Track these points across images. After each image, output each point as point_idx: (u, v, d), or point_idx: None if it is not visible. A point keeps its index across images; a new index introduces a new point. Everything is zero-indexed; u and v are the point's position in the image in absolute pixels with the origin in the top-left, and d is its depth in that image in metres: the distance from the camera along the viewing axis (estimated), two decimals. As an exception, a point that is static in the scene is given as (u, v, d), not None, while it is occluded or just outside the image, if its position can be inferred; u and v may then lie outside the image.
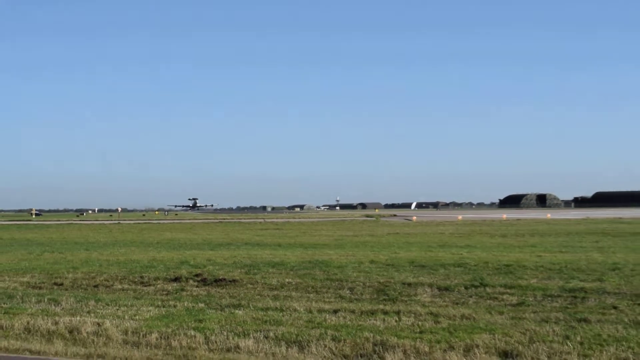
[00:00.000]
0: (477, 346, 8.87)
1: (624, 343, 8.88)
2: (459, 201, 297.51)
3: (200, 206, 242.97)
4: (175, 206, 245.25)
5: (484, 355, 8.56)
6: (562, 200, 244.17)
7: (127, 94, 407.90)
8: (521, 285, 14.55)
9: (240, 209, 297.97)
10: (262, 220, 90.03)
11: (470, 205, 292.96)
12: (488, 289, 14.25)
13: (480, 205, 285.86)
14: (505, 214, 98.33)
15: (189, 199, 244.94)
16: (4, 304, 13.89)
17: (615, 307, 11.51)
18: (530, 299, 12.91)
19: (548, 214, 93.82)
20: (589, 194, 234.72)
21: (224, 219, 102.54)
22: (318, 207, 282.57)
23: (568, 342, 8.99)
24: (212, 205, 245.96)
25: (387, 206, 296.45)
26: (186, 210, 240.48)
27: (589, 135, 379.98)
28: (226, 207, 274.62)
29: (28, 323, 11.15)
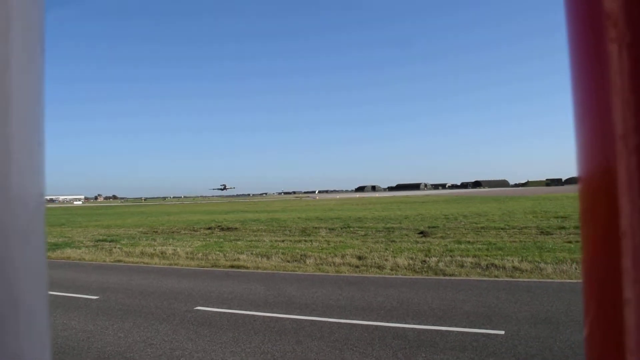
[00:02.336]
0: (347, 255, 18.99)
1: (411, 251, 18.83)
2: (337, 189, 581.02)
3: (228, 188, 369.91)
4: (214, 189, 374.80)
5: (350, 258, 18.66)
6: (385, 188, 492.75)
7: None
8: (365, 226, 26.96)
9: (235, 196, 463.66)
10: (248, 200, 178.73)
11: (344, 191, 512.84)
12: (351, 228, 26.48)
13: (347, 192, 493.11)
14: (358, 195, 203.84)
15: (221, 184, 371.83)
16: (130, 241, 26.08)
17: (407, 235, 21.70)
18: (370, 232, 23.66)
19: (376, 194, 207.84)
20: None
21: (230, 200, 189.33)
22: (277, 194, 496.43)
23: (387, 251, 19.06)
24: (234, 188, 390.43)
25: (306, 192, 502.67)
26: (220, 190, 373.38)
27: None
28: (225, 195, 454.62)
29: (142, 250, 22.43)
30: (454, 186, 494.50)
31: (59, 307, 11.83)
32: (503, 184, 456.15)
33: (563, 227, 24.87)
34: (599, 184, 0.47)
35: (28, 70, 0.64)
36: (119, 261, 19.88)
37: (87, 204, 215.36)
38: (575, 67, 0.49)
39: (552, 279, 13.08)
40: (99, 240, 27.76)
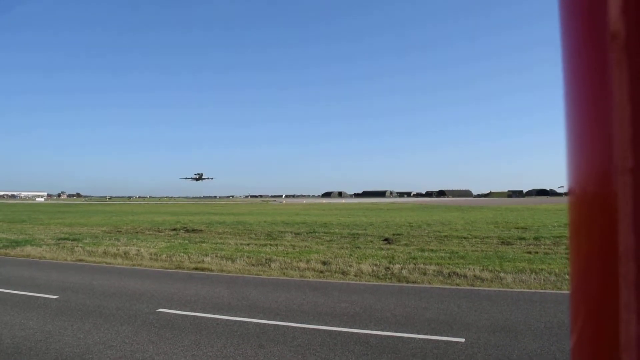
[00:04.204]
0: (312, 260, 19.05)
1: (376, 257, 19.02)
2: (304, 194, 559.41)
3: (205, 178, 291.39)
4: (187, 178, 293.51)
5: (314, 263, 18.71)
6: (351, 194, 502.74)
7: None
8: (331, 232, 27.26)
9: (202, 197, 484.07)
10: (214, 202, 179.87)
11: (310, 196, 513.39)
12: (316, 233, 26.59)
13: (313, 197, 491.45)
14: (325, 201, 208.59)
15: (195, 173, 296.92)
16: (93, 240, 25.60)
17: (371, 242, 21.98)
18: (335, 238, 23.86)
19: (343, 200, 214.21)
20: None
21: (197, 201, 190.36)
22: (244, 197, 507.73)
23: (351, 257, 19.21)
24: (212, 179, 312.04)
25: (272, 196, 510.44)
26: (194, 181, 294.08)
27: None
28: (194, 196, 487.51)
29: (105, 249, 22.03)
30: (419, 194, 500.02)
31: (17, 306, 11.55)
32: (466, 194, 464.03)
33: (523, 238, 25.48)
34: (592, 198, 0.47)
35: None
36: (81, 260, 19.50)
37: (49, 201, 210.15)
38: (572, 79, 0.50)
39: (512, 288, 13.40)
40: (61, 238, 27.16)
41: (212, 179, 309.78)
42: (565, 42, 0.51)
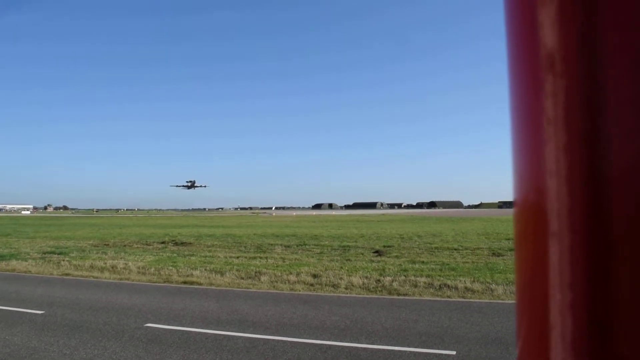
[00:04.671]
0: (302, 273, 18.92)
1: (366, 270, 18.93)
2: (295, 206, 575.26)
3: (197, 186, 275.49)
4: (178, 186, 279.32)
5: (304, 276, 18.58)
6: (342, 206, 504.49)
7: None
8: (321, 244, 27.10)
9: (191, 210, 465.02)
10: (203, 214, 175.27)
11: (301, 208, 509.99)
12: (307, 246, 26.57)
13: (304, 209, 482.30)
14: (315, 213, 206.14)
15: (187, 181, 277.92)
16: (80, 253, 25.22)
17: (362, 254, 21.93)
18: (325, 250, 23.70)
19: (333, 212, 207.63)
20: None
21: (186, 214, 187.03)
22: (233, 209, 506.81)
23: (342, 269, 19.11)
24: (205, 186, 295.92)
25: (262, 208, 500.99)
26: (185, 189, 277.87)
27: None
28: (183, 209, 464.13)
29: (91, 263, 21.77)
30: (409, 206, 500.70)
31: (1, 321, 11.33)
32: (457, 205, 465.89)
33: (514, 249, 25.57)
34: (531, 209, 0.50)
35: None
36: (67, 274, 19.22)
37: (35, 214, 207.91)
38: (513, 97, 0.53)
39: (503, 300, 13.36)
40: (47, 252, 26.80)
41: (205, 186, 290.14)
42: (509, 62, 0.54)
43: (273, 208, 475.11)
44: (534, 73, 0.48)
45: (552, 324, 0.48)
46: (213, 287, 16.14)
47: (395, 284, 15.74)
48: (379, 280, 16.47)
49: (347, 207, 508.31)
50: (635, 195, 0.42)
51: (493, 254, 23.91)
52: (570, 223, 0.45)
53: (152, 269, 20.06)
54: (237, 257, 23.40)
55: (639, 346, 0.43)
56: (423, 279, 16.40)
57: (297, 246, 28.27)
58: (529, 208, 0.51)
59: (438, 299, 13.76)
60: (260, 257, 23.27)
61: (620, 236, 0.43)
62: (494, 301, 13.23)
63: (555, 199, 0.46)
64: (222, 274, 18.74)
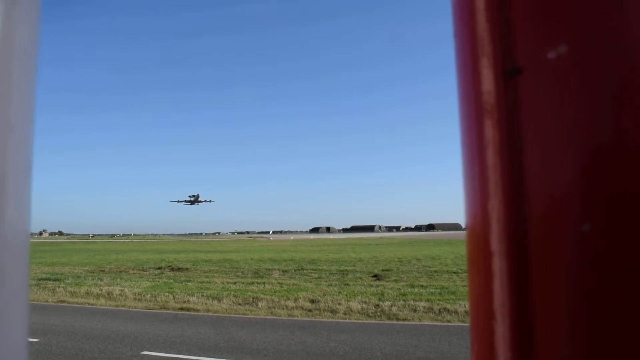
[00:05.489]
0: (300, 298, 18.74)
1: (365, 294, 18.76)
2: (292, 229, 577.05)
3: (201, 201, 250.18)
4: (179, 201, 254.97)
5: (302, 301, 18.40)
6: (340, 229, 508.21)
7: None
8: (319, 268, 26.84)
9: (187, 235, 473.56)
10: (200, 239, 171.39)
11: (298, 232, 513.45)
12: (304, 270, 26.30)
13: (301, 232, 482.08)
14: (313, 236, 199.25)
15: (190, 195, 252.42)
16: (75, 280, 24.93)
17: (360, 278, 21.75)
18: (323, 275, 23.45)
19: (331, 236, 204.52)
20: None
21: (183, 239, 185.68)
22: (230, 233, 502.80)
23: (340, 294, 18.94)
24: (211, 201, 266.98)
25: (260, 232, 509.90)
26: (188, 205, 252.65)
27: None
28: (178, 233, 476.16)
29: (87, 290, 21.55)
30: (408, 228, 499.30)
31: (-6, 351, 11.14)
32: (456, 227, 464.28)
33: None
34: (479, 232, 0.55)
35: (20, 105, 0.65)
36: (63, 301, 18.99)
37: (30, 240, 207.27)
38: (461, 140, 0.59)
39: (503, 324, 13.21)
40: (42, 278, 26.49)
41: (211, 201, 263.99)
42: (458, 102, 0.60)
43: (270, 232, 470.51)
44: (472, 115, 0.56)
45: (496, 341, 0.52)
46: (210, 314, 15.96)
47: (394, 309, 15.59)
48: (377, 305, 16.31)
49: (345, 230, 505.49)
50: (548, 221, 0.49)
51: (492, 277, 23.79)
52: (498, 245, 0.52)
53: (149, 295, 19.85)
54: (235, 283, 23.16)
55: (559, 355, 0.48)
56: (422, 304, 16.25)
57: (294, 271, 28.02)
58: (476, 232, 0.56)
59: (438, 323, 13.62)
60: (258, 283, 23.01)
61: (537, 257, 0.49)
62: (495, 326, 13.08)
63: (488, 222, 0.53)
64: (219, 300, 18.55)
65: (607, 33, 0.47)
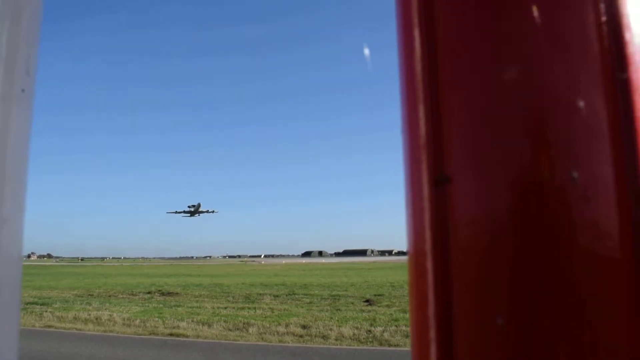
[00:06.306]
0: (291, 324, 18.54)
1: (357, 320, 18.62)
2: (284, 253, 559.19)
3: (203, 211, 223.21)
4: (177, 212, 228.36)
5: (294, 327, 18.21)
6: (332, 253, 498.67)
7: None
8: (311, 293, 26.63)
9: (178, 258, 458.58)
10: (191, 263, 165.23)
11: (290, 256, 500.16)
12: (296, 295, 26.01)
13: (293, 256, 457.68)
14: (305, 260, 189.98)
15: (189, 206, 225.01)
16: (63, 304, 24.55)
17: (352, 303, 21.64)
18: (315, 300, 23.30)
19: (323, 260, 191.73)
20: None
21: (174, 262, 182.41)
22: (221, 257, 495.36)
23: (332, 320, 18.77)
24: (214, 212, 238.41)
25: (251, 256, 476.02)
26: (187, 216, 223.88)
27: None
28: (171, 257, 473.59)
29: (75, 314, 21.22)
30: (400, 252, 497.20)
31: (-23, 378, 10.91)
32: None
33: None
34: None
35: (15, 135, 0.67)
36: (50, 326, 18.67)
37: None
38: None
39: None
40: (29, 303, 26.06)
41: (214, 211, 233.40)
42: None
43: (262, 256, 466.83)
44: (411, 215, 0.63)
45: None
46: (200, 340, 15.75)
47: (386, 335, 15.46)
48: (369, 331, 16.17)
49: (337, 254, 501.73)
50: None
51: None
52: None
53: (138, 321, 19.58)
54: (225, 308, 22.88)
55: None
56: (414, 330, 16.13)
57: (286, 296, 27.79)
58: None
59: (430, 350, 13.50)
60: (249, 308, 22.75)
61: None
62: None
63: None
64: (209, 326, 18.32)
65: (520, 165, 0.55)
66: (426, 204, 0.61)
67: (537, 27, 0.56)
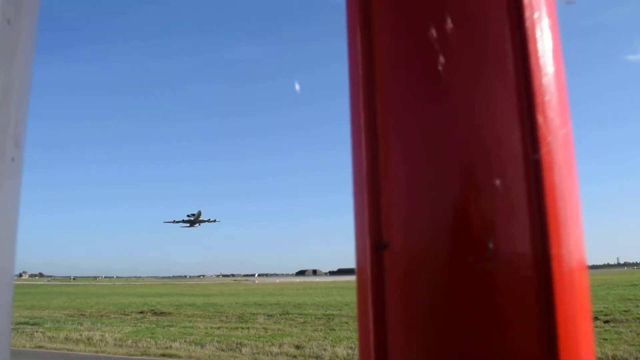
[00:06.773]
0: (285, 344, 18.42)
1: (351, 340, 18.51)
2: (278, 272, 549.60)
3: (204, 221, 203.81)
4: (175, 222, 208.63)
5: (287, 347, 18.08)
6: (326, 272, 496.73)
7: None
8: (305, 313, 26.54)
9: (171, 277, 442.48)
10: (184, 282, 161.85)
11: (284, 274, 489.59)
12: (289, 315, 25.75)
13: (287, 275, 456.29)
14: (299, 279, 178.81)
15: (189, 215, 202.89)
16: (54, 324, 24.35)
17: (347, 323, 21.60)
18: (309, 319, 23.14)
19: (317, 279, 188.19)
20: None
21: (166, 281, 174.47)
22: (215, 276, 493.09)
23: (326, 339, 18.66)
24: (215, 220, 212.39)
25: (245, 275, 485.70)
26: (186, 226, 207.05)
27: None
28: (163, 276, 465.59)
29: (66, 335, 21.01)
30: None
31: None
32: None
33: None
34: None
35: (5, 202, 0.70)
36: (41, 347, 18.47)
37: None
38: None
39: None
40: (20, 323, 25.78)
41: (215, 221, 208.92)
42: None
43: (256, 275, 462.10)
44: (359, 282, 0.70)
45: None
46: (192, 360, 15.62)
47: (380, 355, 15.36)
48: (363, 352, 16.08)
49: (332, 273, 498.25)
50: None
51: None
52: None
53: (130, 341, 19.39)
54: (218, 328, 22.71)
55: None
56: (409, 350, 16.06)
57: (280, 315, 27.55)
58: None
59: (424, 371, 13.43)
60: (242, 328, 22.58)
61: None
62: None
63: (368, 266, 0.66)
64: (202, 346, 18.18)
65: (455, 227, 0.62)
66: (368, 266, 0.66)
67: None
